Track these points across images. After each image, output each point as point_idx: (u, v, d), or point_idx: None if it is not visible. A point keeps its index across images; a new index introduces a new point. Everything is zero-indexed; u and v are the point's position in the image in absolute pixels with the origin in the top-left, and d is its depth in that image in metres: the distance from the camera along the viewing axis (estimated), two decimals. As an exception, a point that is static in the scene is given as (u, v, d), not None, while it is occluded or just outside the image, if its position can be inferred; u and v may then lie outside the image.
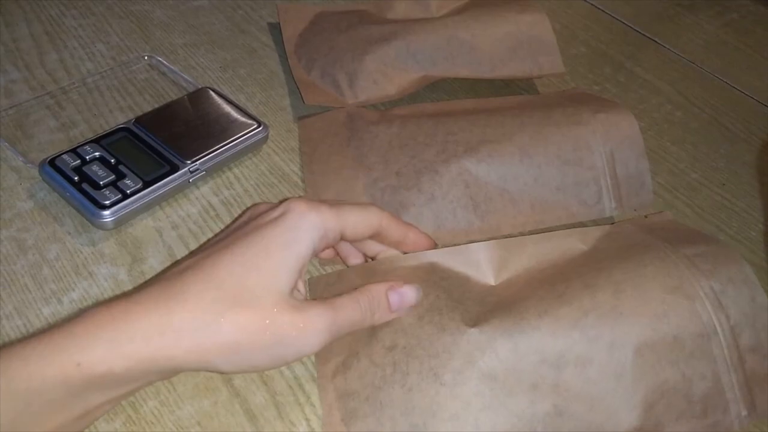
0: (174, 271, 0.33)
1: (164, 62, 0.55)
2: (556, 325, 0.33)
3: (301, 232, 0.34)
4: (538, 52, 0.56)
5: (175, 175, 0.44)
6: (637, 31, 0.67)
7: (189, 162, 0.45)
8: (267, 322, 0.31)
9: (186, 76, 0.54)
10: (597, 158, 0.46)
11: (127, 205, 0.42)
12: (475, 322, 0.34)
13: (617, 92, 0.59)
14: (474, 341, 0.33)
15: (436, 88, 0.56)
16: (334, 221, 0.35)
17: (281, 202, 0.35)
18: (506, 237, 0.40)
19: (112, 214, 0.42)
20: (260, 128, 0.49)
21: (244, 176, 0.48)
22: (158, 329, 0.30)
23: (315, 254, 0.35)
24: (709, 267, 0.36)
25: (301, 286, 0.35)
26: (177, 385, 0.36)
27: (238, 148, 0.47)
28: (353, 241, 0.38)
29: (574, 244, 0.39)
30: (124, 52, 0.57)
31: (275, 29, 0.61)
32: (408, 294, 0.35)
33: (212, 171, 0.47)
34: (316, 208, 0.34)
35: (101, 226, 0.42)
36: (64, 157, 0.44)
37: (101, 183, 0.43)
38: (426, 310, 0.35)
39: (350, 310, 0.34)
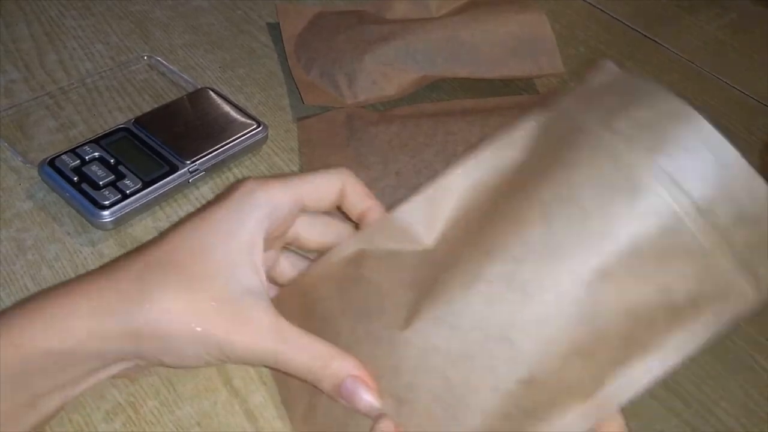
0: (125, 255, 0.32)
1: (163, 62, 0.55)
2: (489, 292, 0.29)
3: (246, 214, 0.31)
4: (537, 52, 0.56)
5: (175, 175, 0.44)
6: (637, 31, 0.67)
7: (188, 162, 0.45)
8: (199, 312, 0.29)
9: (185, 77, 0.54)
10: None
11: (126, 206, 0.42)
12: (406, 320, 0.30)
13: (617, 92, 0.59)
14: (412, 347, 0.30)
15: (435, 88, 0.56)
16: (285, 194, 0.33)
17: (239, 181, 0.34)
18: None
19: (112, 214, 0.42)
20: (260, 128, 0.49)
21: (243, 176, 0.48)
22: (94, 309, 0.29)
23: (273, 233, 0.33)
24: (654, 138, 0.28)
25: (255, 274, 0.31)
26: (176, 385, 0.36)
27: (238, 148, 0.47)
28: (322, 209, 0.35)
29: (505, 155, 0.32)
30: (123, 52, 0.57)
31: (274, 29, 0.61)
32: (363, 398, 0.30)
33: (212, 171, 0.47)
34: (262, 185, 0.32)
35: (101, 227, 0.42)
36: (64, 157, 0.44)
37: (101, 183, 0.43)
38: (358, 318, 0.32)
39: (301, 353, 0.30)
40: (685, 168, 0.27)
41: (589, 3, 0.70)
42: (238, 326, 0.30)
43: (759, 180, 0.27)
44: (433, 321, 0.30)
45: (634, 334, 0.28)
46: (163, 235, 0.32)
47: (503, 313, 0.28)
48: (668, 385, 0.39)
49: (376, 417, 0.30)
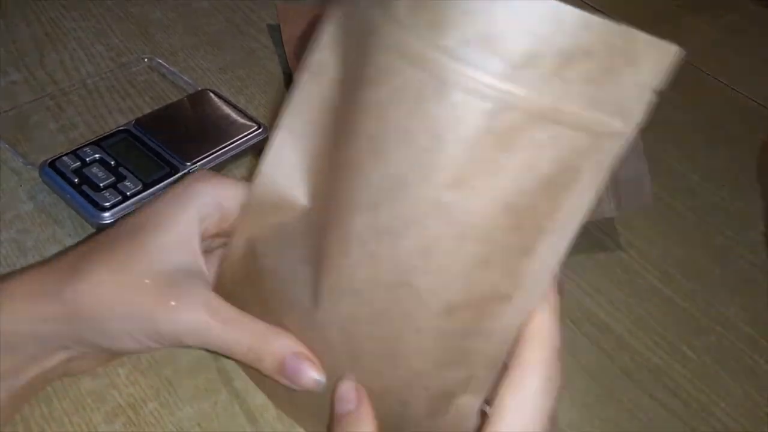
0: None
1: (164, 64, 0.56)
2: (365, 248, 0.27)
3: (186, 202, 0.31)
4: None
5: (175, 176, 0.44)
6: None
7: (189, 164, 0.45)
8: (129, 288, 0.29)
9: (186, 78, 0.54)
10: (596, 159, 0.46)
11: (127, 207, 0.42)
12: (312, 299, 0.29)
13: (616, 93, 0.59)
14: (331, 324, 0.29)
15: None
16: (231, 189, 0.32)
17: None
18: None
19: (112, 216, 0.42)
20: (260, 130, 0.49)
21: (244, 178, 0.48)
22: (30, 291, 0.30)
23: (218, 226, 0.32)
24: (435, 15, 0.24)
25: (192, 258, 0.31)
26: (177, 386, 0.36)
27: (238, 149, 0.47)
28: None
29: (323, 80, 0.28)
30: (123, 53, 0.57)
31: (275, 30, 0.61)
32: (307, 375, 0.29)
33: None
34: (207, 177, 0.32)
35: (101, 228, 0.42)
36: (65, 159, 0.44)
37: (101, 185, 0.43)
38: (276, 313, 0.31)
39: (238, 331, 0.30)
40: (478, 33, 0.23)
41: (589, 4, 0.70)
42: (171, 302, 0.29)
43: (565, 7, 0.23)
44: (335, 294, 0.28)
45: (523, 223, 0.25)
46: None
47: (388, 262, 0.27)
48: (668, 386, 0.39)
49: (339, 380, 0.30)
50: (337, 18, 0.28)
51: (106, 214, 0.41)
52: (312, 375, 0.29)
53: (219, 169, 0.47)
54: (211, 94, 0.51)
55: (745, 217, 0.49)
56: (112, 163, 0.44)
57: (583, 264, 0.46)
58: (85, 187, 0.42)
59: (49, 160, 0.44)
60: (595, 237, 0.48)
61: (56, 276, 0.30)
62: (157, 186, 0.43)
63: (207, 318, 0.29)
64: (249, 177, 0.48)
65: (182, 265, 0.30)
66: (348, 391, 0.29)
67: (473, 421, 0.28)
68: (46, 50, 0.56)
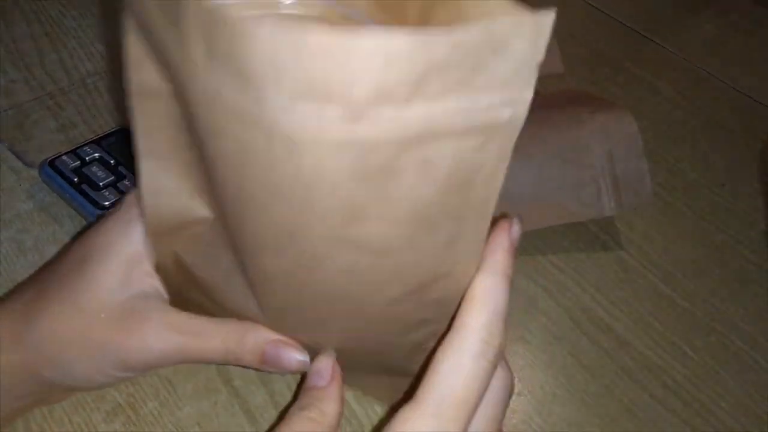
0: (28, 278, 0.32)
1: (164, 63, 0.55)
2: (290, 282, 0.26)
3: (132, 223, 0.30)
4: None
5: (175, 175, 0.44)
6: (636, 31, 0.67)
7: (188, 163, 0.45)
8: (88, 325, 0.28)
9: (185, 77, 0.54)
10: (596, 158, 0.46)
11: (126, 206, 0.42)
12: (259, 308, 0.29)
13: (616, 92, 0.59)
14: (288, 322, 0.29)
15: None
16: None
17: None
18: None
19: (112, 214, 0.42)
20: (260, 129, 0.48)
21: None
22: None
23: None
24: (229, 62, 0.20)
25: (146, 279, 0.30)
26: (177, 386, 0.36)
27: (238, 148, 0.47)
28: None
29: (162, 105, 0.25)
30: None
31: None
32: (291, 357, 0.29)
33: (212, 172, 0.47)
34: None
35: (101, 227, 0.42)
36: (64, 158, 0.44)
37: (101, 184, 0.43)
38: (238, 310, 0.30)
39: (212, 337, 0.29)
40: (306, 86, 0.19)
41: (589, 3, 0.70)
42: (133, 330, 0.29)
43: (388, 41, 0.18)
44: (276, 310, 0.28)
45: (437, 223, 0.24)
46: (58, 253, 0.31)
47: (314, 287, 0.26)
48: (668, 385, 0.39)
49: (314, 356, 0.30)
50: (133, 25, 0.23)
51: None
52: (295, 357, 0.29)
53: (219, 168, 0.47)
54: (211, 93, 0.51)
55: (746, 216, 0.49)
56: (112, 162, 0.44)
57: (583, 262, 0.46)
58: (84, 186, 0.42)
59: (49, 159, 0.44)
60: (595, 235, 0.48)
61: (13, 320, 0.29)
62: (157, 185, 0.43)
63: (175, 336, 0.29)
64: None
65: (135, 291, 0.29)
66: (325, 367, 0.29)
67: None
68: (45, 49, 0.56)
